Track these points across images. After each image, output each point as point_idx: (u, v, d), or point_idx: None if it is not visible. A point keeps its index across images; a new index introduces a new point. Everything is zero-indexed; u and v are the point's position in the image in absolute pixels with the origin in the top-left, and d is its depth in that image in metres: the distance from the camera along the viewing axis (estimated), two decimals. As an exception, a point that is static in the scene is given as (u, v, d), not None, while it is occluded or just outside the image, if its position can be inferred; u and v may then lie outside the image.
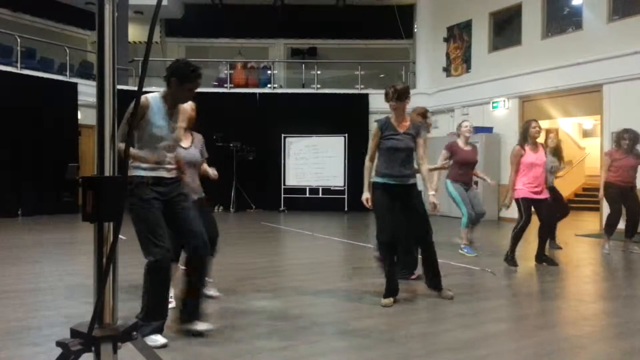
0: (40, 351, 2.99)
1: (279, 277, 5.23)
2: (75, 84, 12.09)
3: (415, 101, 14.04)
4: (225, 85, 14.23)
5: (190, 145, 4.09)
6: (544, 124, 12.86)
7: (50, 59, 12.67)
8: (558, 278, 5.39)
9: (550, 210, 5.90)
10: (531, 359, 2.97)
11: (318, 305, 4.17)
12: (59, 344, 1.44)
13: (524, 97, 11.35)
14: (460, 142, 6.53)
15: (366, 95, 13.83)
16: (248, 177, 13.06)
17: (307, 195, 13.18)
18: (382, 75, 15.68)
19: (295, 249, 7.63)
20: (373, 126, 13.53)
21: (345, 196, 12.94)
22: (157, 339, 3.05)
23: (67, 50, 12.59)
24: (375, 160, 4.25)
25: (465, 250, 6.49)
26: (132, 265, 5.66)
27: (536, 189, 5.77)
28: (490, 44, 12.43)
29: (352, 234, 8.72)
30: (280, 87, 14.91)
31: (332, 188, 12.97)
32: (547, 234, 5.95)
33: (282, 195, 13.23)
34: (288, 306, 4.10)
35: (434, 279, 4.31)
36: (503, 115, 11.79)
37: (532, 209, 5.76)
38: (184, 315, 3.31)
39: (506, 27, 12.26)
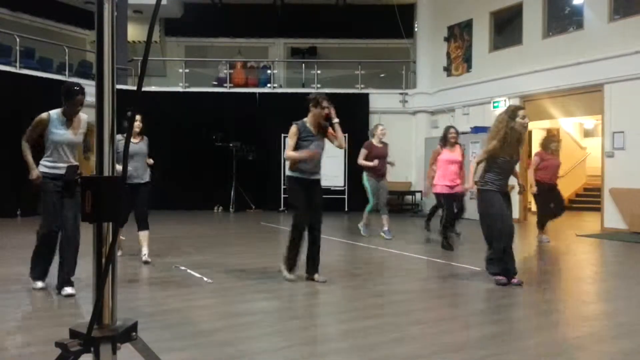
0: (39, 351, 2.99)
1: (278, 277, 5.21)
2: (75, 84, 12.08)
3: (416, 101, 14.12)
4: (225, 84, 14.22)
5: (139, 142, 5.78)
6: (545, 123, 12.92)
7: (49, 59, 12.65)
8: (558, 279, 5.38)
9: (461, 202, 7.13)
10: (532, 360, 2.97)
11: (318, 306, 4.16)
12: (58, 344, 1.43)
13: (525, 96, 11.34)
14: (375, 142, 7.92)
15: (366, 95, 13.82)
16: (248, 177, 13.06)
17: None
18: (382, 75, 15.67)
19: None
20: (374, 126, 13.41)
21: (345, 196, 12.94)
22: (37, 284, 4.39)
23: (66, 50, 12.57)
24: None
25: (362, 230, 8.21)
26: (131, 266, 5.66)
27: (451, 184, 6.95)
28: (491, 43, 12.42)
29: (352, 234, 8.70)
30: (280, 86, 14.89)
31: (332, 188, 12.94)
32: (454, 223, 7.15)
33: (282, 196, 13.22)
34: (288, 306, 4.09)
35: (314, 262, 4.93)
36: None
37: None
38: (58, 284, 4.32)
39: (507, 27, 12.25)
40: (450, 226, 7.11)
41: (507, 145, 4.74)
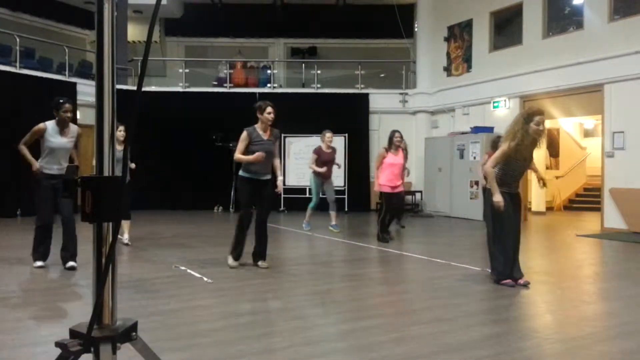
0: (39, 351, 2.99)
1: (278, 277, 5.22)
2: (74, 84, 12.07)
3: (416, 101, 14.12)
4: (225, 84, 14.21)
5: (123, 149, 6.71)
6: (545, 123, 12.91)
7: (49, 59, 12.64)
8: (558, 279, 5.38)
9: (400, 200, 7.83)
10: (532, 360, 2.97)
11: (318, 306, 4.16)
12: (58, 344, 1.43)
13: (524, 96, 11.34)
14: (323, 147, 8.71)
15: (366, 95, 13.82)
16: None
17: (307, 195, 13.14)
18: (382, 75, 15.66)
19: (295, 249, 7.62)
20: (374, 126, 13.65)
21: (346, 196, 12.93)
22: (37, 263, 5.18)
23: (66, 50, 12.56)
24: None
25: (305, 226, 8.91)
26: (131, 266, 5.66)
27: (394, 184, 7.54)
28: (491, 43, 12.42)
29: (352, 234, 8.71)
30: (280, 86, 14.88)
31: (332, 188, 12.93)
32: (393, 218, 7.81)
33: (282, 195, 13.21)
34: (288, 306, 4.09)
35: (260, 251, 5.56)
36: (504, 115, 11.77)
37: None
38: (63, 261, 5.26)
39: (507, 27, 12.24)
40: (388, 222, 7.75)
41: (522, 147, 4.60)
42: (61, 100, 5.14)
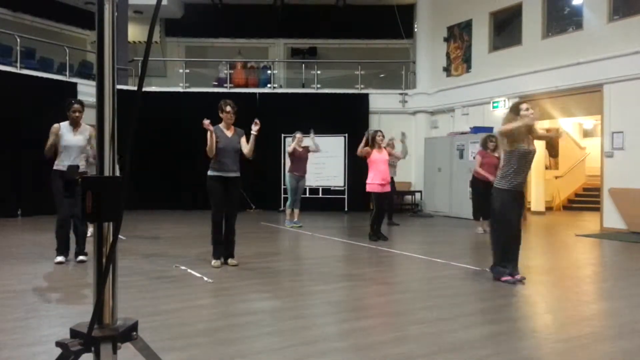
0: (40, 351, 2.99)
1: (278, 277, 5.22)
2: (75, 84, 12.08)
3: (415, 101, 14.12)
4: (225, 85, 14.22)
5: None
6: (545, 124, 12.93)
7: (49, 59, 12.65)
8: (558, 278, 5.38)
9: (391, 201, 8.09)
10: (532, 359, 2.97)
11: (318, 306, 4.16)
12: (58, 344, 1.43)
13: (524, 97, 11.32)
14: (296, 147, 9.57)
15: (366, 95, 13.82)
16: (248, 177, 13.04)
17: (307, 195, 13.15)
18: (382, 75, 15.67)
19: (295, 249, 7.62)
20: (374, 126, 13.81)
21: (345, 196, 12.93)
22: (57, 258, 5.58)
23: (67, 50, 12.57)
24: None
25: (289, 225, 9.62)
26: (132, 266, 5.66)
27: (382, 183, 7.65)
28: (490, 43, 12.43)
29: (352, 234, 8.71)
30: (280, 87, 14.89)
31: (332, 188, 12.95)
32: (382, 219, 7.96)
33: (282, 195, 13.22)
34: (288, 306, 4.10)
35: (229, 248, 5.78)
36: (503, 115, 11.78)
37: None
38: (74, 255, 5.74)
39: (506, 27, 12.26)
40: (378, 222, 7.88)
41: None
42: (72, 101, 5.64)
